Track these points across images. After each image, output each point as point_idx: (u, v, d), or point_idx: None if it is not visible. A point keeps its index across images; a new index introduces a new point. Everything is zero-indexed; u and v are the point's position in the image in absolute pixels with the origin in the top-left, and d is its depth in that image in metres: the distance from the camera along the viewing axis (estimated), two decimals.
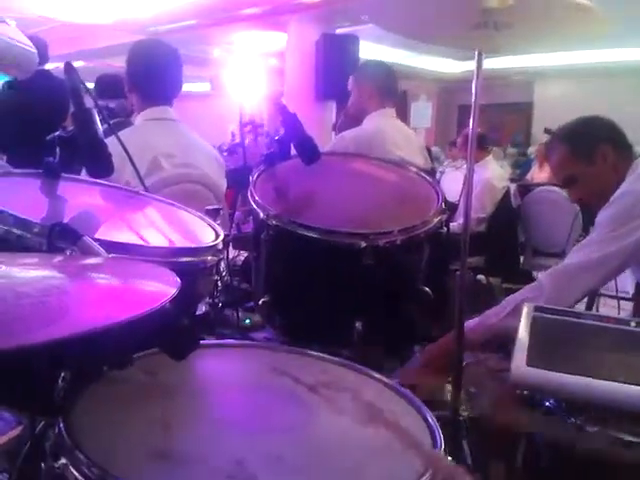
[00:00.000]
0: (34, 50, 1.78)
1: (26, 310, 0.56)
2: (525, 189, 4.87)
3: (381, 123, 2.67)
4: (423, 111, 9.70)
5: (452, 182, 3.93)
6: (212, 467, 0.75)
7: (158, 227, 1.27)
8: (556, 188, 4.87)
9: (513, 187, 4.79)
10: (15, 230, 0.95)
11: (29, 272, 0.73)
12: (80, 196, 1.26)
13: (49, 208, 1.12)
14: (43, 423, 1.09)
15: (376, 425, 0.88)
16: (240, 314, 1.99)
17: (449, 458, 0.83)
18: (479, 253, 3.90)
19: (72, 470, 0.72)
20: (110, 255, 0.87)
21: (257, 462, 0.76)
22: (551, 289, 1.71)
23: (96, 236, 0.95)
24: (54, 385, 0.86)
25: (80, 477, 0.71)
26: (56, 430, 0.79)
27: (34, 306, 0.57)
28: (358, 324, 1.32)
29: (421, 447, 0.83)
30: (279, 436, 0.83)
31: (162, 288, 0.71)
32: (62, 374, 0.86)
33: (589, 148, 1.90)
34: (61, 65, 1.19)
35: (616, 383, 1.11)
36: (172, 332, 0.80)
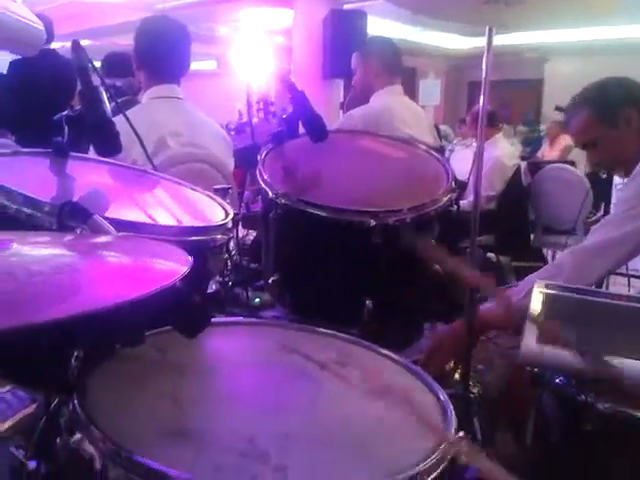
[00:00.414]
0: (41, 27, 1.77)
1: (39, 288, 0.56)
2: (536, 167, 4.82)
3: (389, 100, 2.64)
4: (432, 89, 9.59)
5: (461, 160, 3.91)
6: (224, 444, 0.75)
7: (167, 206, 1.27)
8: (567, 166, 4.83)
9: (523, 165, 4.74)
10: (25, 209, 0.95)
11: (40, 250, 0.74)
12: (89, 175, 1.26)
13: (58, 187, 1.12)
14: (57, 400, 1.11)
15: (387, 402, 0.88)
16: (249, 293, 2.00)
17: (460, 434, 0.83)
18: (489, 231, 3.88)
19: (87, 445, 0.74)
20: (120, 234, 0.88)
21: (269, 439, 0.77)
22: (571, 269, 1.69)
23: (106, 215, 0.95)
24: (68, 364, 0.87)
25: (95, 452, 0.73)
26: (71, 406, 0.80)
27: (46, 284, 0.57)
28: (368, 302, 1.32)
29: (432, 424, 0.83)
30: (290, 413, 0.84)
31: (173, 266, 0.71)
32: (75, 353, 0.87)
33: (612, 111, 1.82)
34: (67, 44, 1.18)
35: (627, 360, 1.10)
36: (184, 310, 0.81)
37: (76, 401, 0.79)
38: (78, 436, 0.75)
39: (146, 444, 0.73)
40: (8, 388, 1.55)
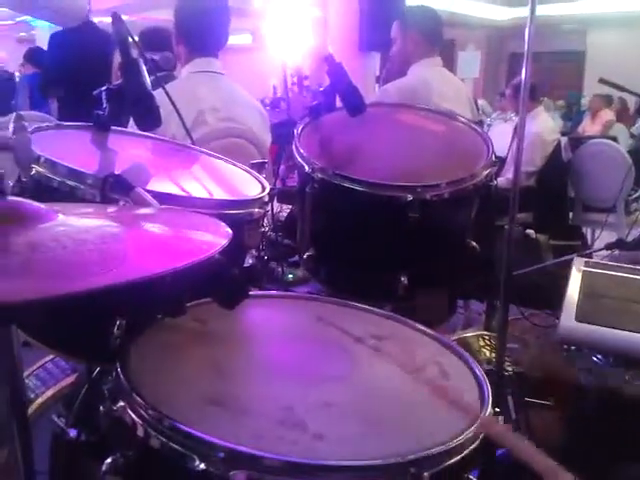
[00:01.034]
0: None
1: (85, 256, 0.58)
2: (577, 142, 4.69)
3: (427, 73, 2.56)
4: (471, 61, 9.36)
5: (499, 135, 3.81)
6: (263, 412, 0.77)
7: (205, 180, 1.28)
8: (608, 141, 4.69)
9: (564, 140, 4.62)
10: (69, 181, 0.97)
11: (85, 221, 0.75)
12: (130, 149, 1.28)
13: (100, 160, 1.14)
14: (100, 369, 1.14)
15: (422, 377, 0.89)
16: (284, 270, 2.01)
17: (493, 413, 0.82)
18: (527, 209, 3.80)
19: (130, 412, 0.76)
20: (162, 206, 0.89)
21: (306, 408, 0.78)
22: None
23: (147, 188, 0.96)
24: (110, 332, 0.89)
25: (137, 419, 0.75)
26: (114, 375, 0.82)
27: (92, 252, 0.58)
28: (404, 278, 1.31)
29: (465, 402, 0.83)
30: (327, 384, 0.85)
31: (213, 238, 0.72)
32: (118, 322, 0.90)
33: None
34: (105, 19, 1.19)
35: None
36: (223, 282, 0.82)
37: (119, 369, 0.81)
38: (121, 404, 0.77)
39: (188, 412, 0.74)
40: (50, 357, 1.60)
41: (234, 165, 1.37)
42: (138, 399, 0.75)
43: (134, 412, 0.75)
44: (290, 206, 2.24)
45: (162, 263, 0.60)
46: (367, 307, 1.13)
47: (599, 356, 1.19)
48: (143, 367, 0.83)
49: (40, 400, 1.51)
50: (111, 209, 0.85)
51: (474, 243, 1.41)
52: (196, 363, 0.87)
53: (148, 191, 0.91)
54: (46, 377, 1.58)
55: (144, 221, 0.82)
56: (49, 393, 1.54)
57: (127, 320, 0.90)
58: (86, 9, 1.83)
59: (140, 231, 0.76)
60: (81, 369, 1.41)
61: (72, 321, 0.89)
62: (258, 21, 10.60)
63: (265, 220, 1.31)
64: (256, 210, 1.14)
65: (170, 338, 0.91)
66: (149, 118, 1.14)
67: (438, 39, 2.62)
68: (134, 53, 1.15)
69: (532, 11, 1.38)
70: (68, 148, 1.14)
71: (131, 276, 0.55)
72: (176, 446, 0.70)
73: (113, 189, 0.87)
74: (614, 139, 5.07)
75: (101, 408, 0.82)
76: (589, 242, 4.24)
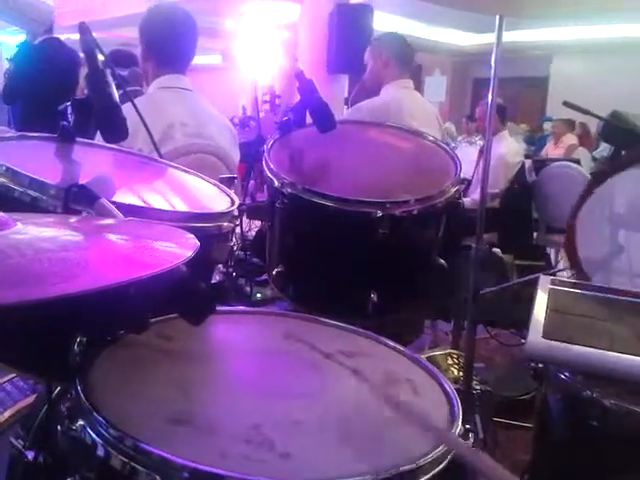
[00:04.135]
0: (51, 3, 1.76)
1: (44, 264, 0.55)
2: (541, 164, 4.79)
3: (398, 94, 2.63)
4: (437, 85, 9.57)
5: (465, 158, 3.87)
6: (229, 431, 0.74)
7: (173, 193, 1.25)
8: (571, 163, 4.79)
9: (528, 162, 4.71)
10: (30, 192, 0.94)
11: (46, 229, 0.73)
12: (95, 161, 1.25)
13: (64, 172, 1.11)
14: (59, 388, 1.10)
15: (392, 394, 0.87)
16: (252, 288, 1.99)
17: (462, 433, 0.81)
18: (492, 229, 3.85)
19: (90, 432, 0.72)
20: (127, 218, 0.86)
21: (273, 427, 0.76)
22: None
23: (112, 200, 0.94)
24: (70, 348, 0.86)
25: (98, 439, 0.71)
26: (73, 393, 0.79)
27: (53, 261, 0.56)
28: (373, 295, 1.31)
29: (435, 421, 0.81)
30: (295, 401, 0.83)
31: (179, 249, 0.70)
32: (78, 337, 0.86)
33: None
34: (72, 36, 1.17)
35: (632, 356, 1.10)
36: (190, 296, 0.80)
37: (79, 387, 0.78)
38: (80, 423, 0.74)
39: (151, 431, 0.72)
40: (8, 378, 1.54)
41: (202, 179, 1.36)
42: (98, 417, 0.72)
43: (94, 431, 0.72)
44: (259, 225, 2.23)
45: (124, 273, 0.58)
46: (337, 323, 1.11)
47: (566, 373, 1.19)
48: (104, 385, 0.80)
49: None
50: (73, 219, 0.82)
51: (442, 261, 1.41)
52: (160, 381, 0.84)
53: (113, 203, 0.89)
54: (4, 398, 1.53)
55: (107, 232, 0.79)
56: (7, 414, 1.49)
57: (88, 336, 0.86)
58: (52, 15, 1.81)
59: (103, 241, 0.73)
60: (41, 389, 1.36)
61: (30, 335, 0.86)
62: (228, 42, 10.64)
63: (234, 237, 1.29)
64: (225, 224, 1.12)
65: (134, 355, 0.89)
66: (115, 129, 1.11)
67: (409, 61, 2.75)
68: (101, 64, 1.13)
69: (498, 37, 1.41)
70: (31, 158, 1.11)
71: (92, 285, 0.52)
72: (138, 466, 0.68)
73: (76, 200, 0.85)
74: (577, 162, 5.19)
75: (59, 428, 0.79)
76: (553, 262, 4.31)
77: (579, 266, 1.71)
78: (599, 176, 1.81)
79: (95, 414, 0.73)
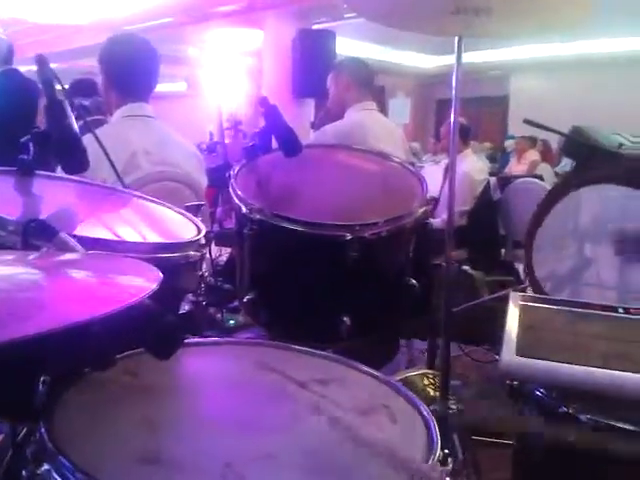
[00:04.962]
0: (4, 36, 1.73)
1: (0, 306, 0.53)
2: (505, 181, 4.88)
3: (362, 116, 2.66)
4: (401, 107, 9.72)
5: (431, 176, 3.91)
6: (201, 469, 0.72)
7: (137, 223, 1.23)
8: (534, 180, 4.90)
9: (493, 180, 4.80)
10: None
11: (2, 268, 0.70)
12: (56, 194, 1.22)
13: (24, 206, 1.08)
14: (25, 430, 1.06)
15: (370, 422, 0.86)
16: (223, 315, 1.96)
17: (442, 456, 0.80)
18: (461, 246, 3.90)
19: (55, 476, 0.70)
20: (88, 252, 0.84)
21: (246, 462, 0.74)
22: None
23: (73, 233, 0.91)
24: (34, 389, 0.82)
25: None
26: (37, 435, 0.76)
27: (8, 302, 0.53)
28: (346, 318, 1.30)
29: (408, 455, 0.79)
30: (269, 434, 0.81)
31: (143, 282, 0.68)
32: (42, 378, 0.83)
33: None
34: (32, 67, 1.15)
35: (606, 370, 1.10)
36: (155, 329, 0.77)
37: (43, 429, 0.75)
38: (46, 467, 0.71)
39: (119, 472, 0.69)
40: None
41: (168, 208, 1.34)
42: (64, 461, 0.69)
43: (60, 476, 0.69)
44: (230, 250, 2.21)
45: (86, 310, 0.55)
46: (311, 350, 1.10)
47: (542, 390, 1.19)
48: (70, 426, 0.77)
49: None
50: (32, 256, 0.80)
51: (413, 281, 1.41)
52: (128, 419, 0.81)
53: (74, 236, 0.86)
54: None
55: (68, 267, 0.77)
56: None
57: (52, 375, 0.83)
58: (3, 47, 1.78)
59: (62, 278, 0.71)
60: (5, 431, 1.31)
61: None
62: (193, 69, 10.66)
63: (203, 265, 1.27)
64: (192, 253, 1.10)
65: (100, 393, 0.85)
66: (75, 161, 1.09)
67: (369, 84, 2.80)
68: (59, 94, 1.11)
69: (458, 58, 1.43)
70: None
71: (50, 325, 0.50)
72: None
73: (35, 235, 0.82)
74: (540, 178, 5.31)
75: (24, 473, 0.75)
76: (521, 277, 4.36)
77: (537, 284, 1.73)
78: (556, 195, 1.83)
79: (60, 457, 0.70)
